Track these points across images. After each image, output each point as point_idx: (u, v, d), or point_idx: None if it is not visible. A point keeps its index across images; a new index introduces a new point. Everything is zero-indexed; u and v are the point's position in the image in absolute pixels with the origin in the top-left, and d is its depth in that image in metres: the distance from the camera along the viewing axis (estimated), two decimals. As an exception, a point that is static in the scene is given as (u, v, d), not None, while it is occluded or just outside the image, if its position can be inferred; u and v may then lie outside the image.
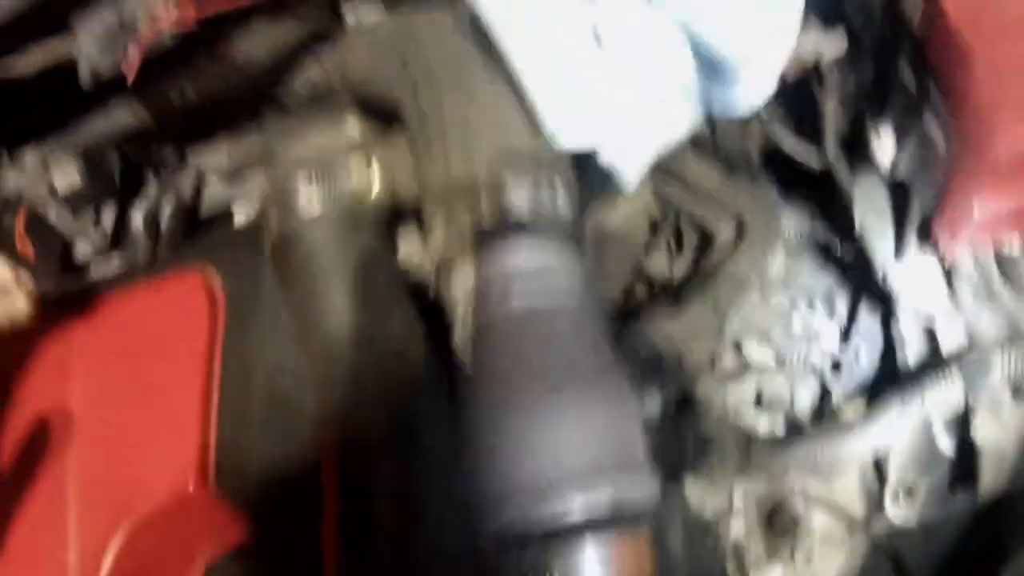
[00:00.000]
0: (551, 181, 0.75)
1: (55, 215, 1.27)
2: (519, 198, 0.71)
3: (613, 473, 0.62)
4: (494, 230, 0.71)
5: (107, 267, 1.31)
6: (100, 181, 1.24)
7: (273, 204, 0.80)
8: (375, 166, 0.82)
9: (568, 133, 0.75)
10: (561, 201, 0.74)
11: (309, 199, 0.78)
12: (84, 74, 1.00)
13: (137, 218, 1.31)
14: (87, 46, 1.00)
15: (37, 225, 1.27)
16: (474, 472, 0.64)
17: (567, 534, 0.60)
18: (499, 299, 0.69)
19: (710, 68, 0.77)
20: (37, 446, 0.84)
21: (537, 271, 0.70)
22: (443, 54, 0.82)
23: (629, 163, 0.81)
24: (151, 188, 1.32)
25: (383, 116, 0.97)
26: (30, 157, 1.25)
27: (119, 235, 1.30)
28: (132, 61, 0.96)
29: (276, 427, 0.79)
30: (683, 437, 0.98)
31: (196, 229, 1.34)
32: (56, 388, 0.87)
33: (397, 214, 0.82)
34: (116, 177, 1.27)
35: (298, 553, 0.76)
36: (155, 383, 0.85)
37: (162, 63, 0.99)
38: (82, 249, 1.30)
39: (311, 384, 0.76)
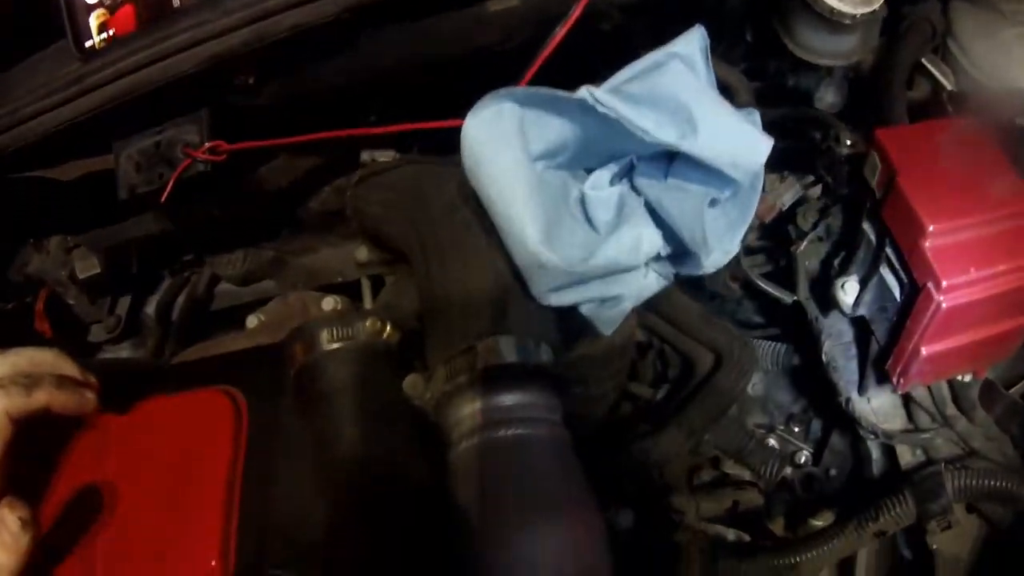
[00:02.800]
0: (535, 333, 0.93)
1: (74, 299, 1.48)
2: (507, 349, 0.89)
3: None
4: (485, 374, 0.88)
5: (118, 351, 1.53)
6: (119, 273, 1.43)
7: (298, 339, 0.99)
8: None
9: (552, 295, 0.93)
10: (543, 350, 0.92)
11: (331, 336, 0.96)
12: (122, 191, 1.18)
13: (150, 308, 1.52)
14: (126, 167, 1.19)
15: (56, 307, 1.48)
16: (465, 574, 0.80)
17: None
18: (486, 429, 0.86)
19: (676, 244, 0.95)
20: (69, 532, 0.93)
21: (518, 407, 0.88)
22: (446, 214, 1.00)
23: (605, 317, 1.00)
24: (166, 284, 1.53)
25: (389, 250, 1.17)
26: (55, 243, 1.45)
27: (132, 323, 1.52)
28: (167, 184, 1.14)
29: (292, 542, 0.92)
30: (654, 547, 1.14)
31: (205, 325, 1.55)
32: (84, 477, 0.96)
33: (403, 353, 0.99)
34: (134, 270, 1.48)
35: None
36: (182, 479, 0.95)
37: (192, 184, 1.16)
38: (96, 333, 1.51)
39: (323, 500, 0.91)
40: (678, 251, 0.98)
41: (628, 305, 1.01)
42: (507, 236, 0.93)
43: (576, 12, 0.99)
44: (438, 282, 0.96)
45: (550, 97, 0.92)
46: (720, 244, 0.94)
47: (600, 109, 0.88)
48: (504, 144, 0.92)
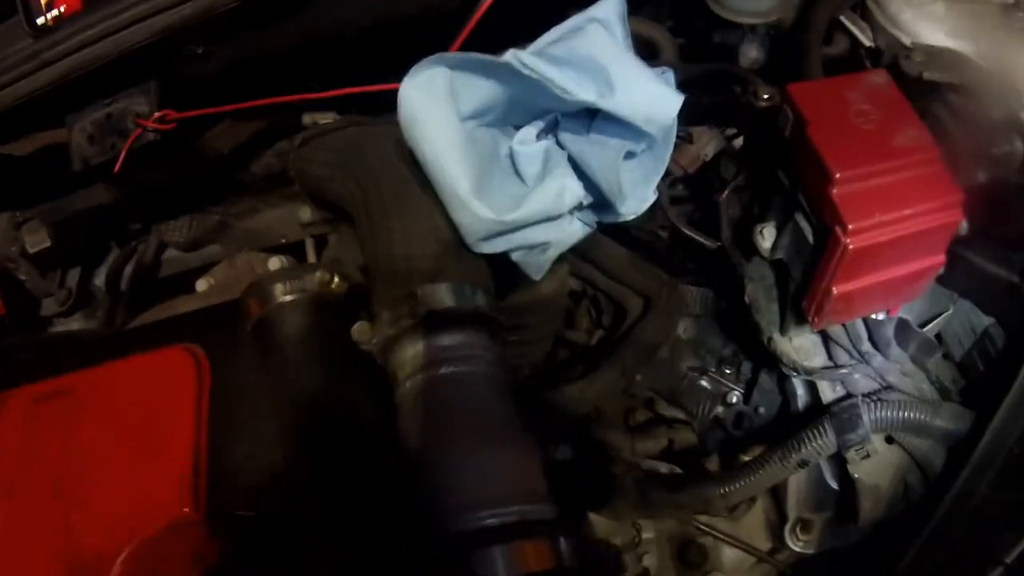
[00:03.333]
0: (470, 279, 1.07)
1: (25, 274, 1.59)
2: (445, 295, 1.03)
3: (518, 502, 0.92)
4: (426, 318, 1.02)
5: (69, 324, 1.64)
6: (68, 246, 1.53)
7: (254, 294, 1.11)
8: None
9: (484, 243, 1.07)
10: (479, 295, 1.06)
11: (284, 288, 1.09)
12: (76, 163, 1.28)
13: (99, 279, 1.64)
14: (79, 139, 1.29)
15: (8, 282, 1.58)
16: (416, 497, 0.92)
17: (484, 538, 0.88)
18: (429, 368, 1.00)
19: (597, 193, 1.08)
20: (41, 479, 1.06)
21: (457, 346, 1.02)
22: (386, 171, 1.12)
23: (535, 263, 1.13)
24: (114, 254, 1.64)
25: (332, 209, 1.29)
26: (4, 219, 1.53)
27: (82, 295, 1.63)
28: (119, 154, 1.25)
29: (257, 465, 1.06)
30: (591, 478, 1.29)
31: (154, 292, 1.66)
32: (59, 438, 1.09)
33: (350, 303, 1.13)
34: (83, 243, 1.59)
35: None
36: (152, 430, 1.08)
37: (143, 153, 1.27)
38: (48, 307, 1.62)
39: (284, 440, 1.05)
40: (599, 200, 1.11)
41: (555, 251, 1.14)
42: (441, 190, 1.06)
43: None
44: (381, 235, 1.09)
45: (479, 61, 1.04)
46: (636, 192, 1.07)
47: (525, 72, 1.00)
48: (436, 106, 1.05)
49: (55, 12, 1.25)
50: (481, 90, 1.07)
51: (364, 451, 1.03)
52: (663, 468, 1.36)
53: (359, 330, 1.08)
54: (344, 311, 1.13)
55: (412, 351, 1.02)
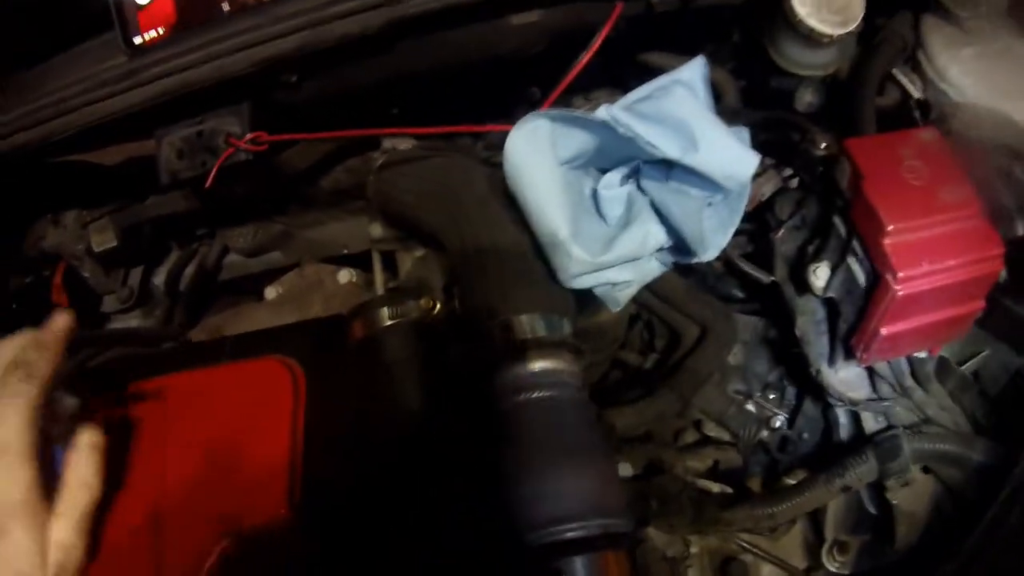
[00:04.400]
0: (559, 310, 1.28)
1: (89, 271, 1.76)
2: (539, 325, 1.23)
3: (602, 515, 1.06)
4: (520, 346, 1.21)
5: (128, 320, 1.80)
6: (133, 246, 1.72)
7: (359, 316, 1.30)
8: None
9: (575, 280, 1.27)
10: (565, 324, 1.26)
11: (390, 313, 1.29)
12: (164, 176, 1.44)
13: (159, 279, 1.82)
14: (168, 153, 1.45)
15: (73, 279, 1.76)
16: (508, 512, 1.06)
17: (570, 548, 1.02)
18: (522, 392, 1.18)
19: (677, 239, 1.28)
20: (133, 481, 1.17)
21: (548, 373, 1.21)
22: (479, 207, 1.33)
23: (616, 297, 1.34)
24: (175, 255, 1.80)
25: (409, 231, 1.48)
26: (71, 218, 1.72)
27: (143, 294, 1.81)
28: (210, 171, 1.40)
29: (350, 479, 1.18)
30: (649, 494, 1.47)
31: (212, 295, 1.83)
32: (151, 442, 1.23)
33: (448, 326, 1.32)
34: (147, 244, 1.76)
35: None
36: (248, 440, 1.21)
37: (233, 171, 1.43)
38: (109, 303, 1.79)
39: (379, 452, 1.21)
40: (678, 244, 1.31)
41: (635, 288, 1.37)
42: (540, 231, 1.27)
43: (598, 41, 1.34)
44: (477, 269, 1.29)
45: (576, 117, 1.25)
46: (713, 240, 1.28)
47: (620, 129, 1.21)
48: (540, 156, 1.26)
49: (153, 33, 1.40)
50: (576, 140, 1.28)
51: (456, 468, 1.20)
52: (715, 488, 1.53)
53: (456, 355, 1.28)
54: (441, 335, 1.31)
55: (507, 377, 1.19)
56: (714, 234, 1.28)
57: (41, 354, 1.02)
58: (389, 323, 1.30)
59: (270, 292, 1.64)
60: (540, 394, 1.19)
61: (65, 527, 0.98)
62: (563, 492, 1.11)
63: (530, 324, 1.24)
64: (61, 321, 1.08)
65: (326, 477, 1.20)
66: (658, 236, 1.29)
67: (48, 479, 0.99)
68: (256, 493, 1.17)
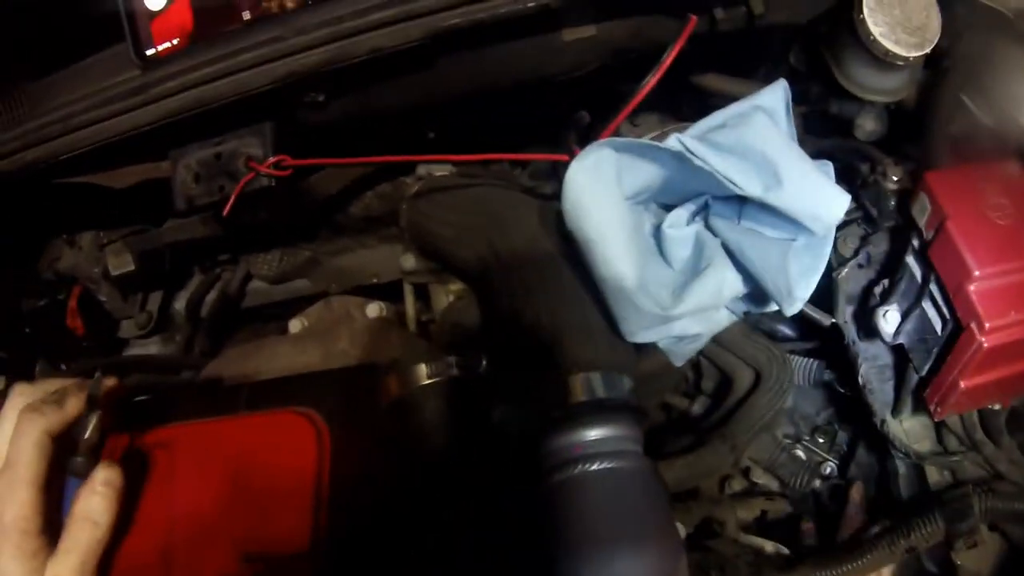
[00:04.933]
0: (620, 366, 1.03)
1: (105, 295, 1.52)
2: (597, 385, 0.98)
3: None
4: (577, 409, 0.97)
5: (147, 347, 1.57)
6: (152, 270, 1.49)
7: (392, 373, 1.06)
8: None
9: (640, 333, 1.02)
10: (626, 382, 1.02)
11: (428, 371, 1.04)
12: (179, 201, 1.21)
13: (180, 304, 1.57)
14: (184, 176, 1.21)
15: (87, 302, 1.52)
16: None
17: None
18: (579, 463, 0.94)
19: (754, 287, 1.04)
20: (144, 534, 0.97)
21: (609, 440, 0.97)
22: (529, 245, 1.08)
23: (682, 351, 1.10)
24: (196, 280, 1.57)
25: (445, 264, 1.24)
26: (87, 240, 1.49)
27: (162, 319, 1.56)
28: (228, 197, 1.17)
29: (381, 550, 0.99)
30: (706, 560, 1.23)
31: (235, 321, 1.59)
32: (161, 493, 1.01)
33: (494, 383, 1.08)
34: (167, 267, 1.52)
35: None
36: (268, 495, 1.00)
37: (254, 197, 1.19)
38: (127, 328, 1.56)
39: (415, 523, 1.00)
40: (755, 293, 1.07)
41: (704, 341, 1.12)
42: (603, 277, 1.01)
43: (669, 58, 1.06)
44: (527, 316, 1.05)
45: (645, 146, 1.00)
46: (796, 290, 1.03)
47: (696, 162, 0.95)
48: (604, 191, 1.01)
49: (167, 44, 1.17)
50: (643, 173, 1.04)
51: (499, 544, 0.99)
52: (768, 546, 1.29)
53: (501, 414, 1.04)
54: (485, 393, 1.07)
55: (562, 442, 0.97)
56: (798, 284, 1.04)
57: (76, 393, 0.92)
58: (427, 382, 1.05)
59: (294, 325, 1.40)
60: (600, 465, 0.95)
61: (65, 563, 0.86)
62: None
63: (588, 384, 0.99)
64: (110, 380, 0.97)
65: (351, 542, 0.99)
66: (734, 285, 1.05)
67: (55, 511, 0.89)
68: (275, 557, 0.96)
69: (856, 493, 1.31)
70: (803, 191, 0.97)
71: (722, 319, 1.11)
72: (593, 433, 0.97)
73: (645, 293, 0.98)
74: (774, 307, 1.05)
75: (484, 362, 1.06)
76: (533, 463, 0.99)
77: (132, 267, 1.46)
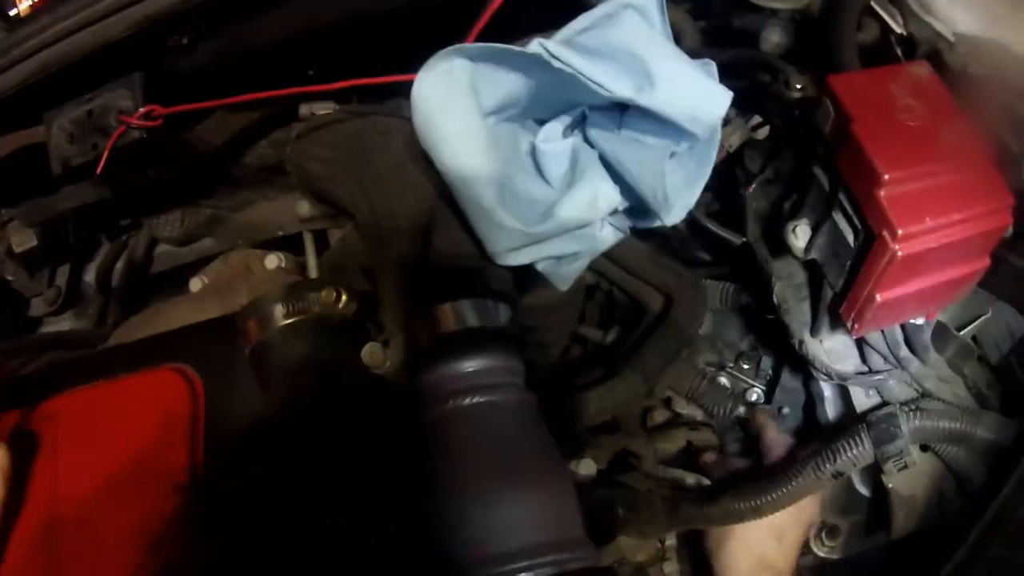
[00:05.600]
0: (493, 293, 0.90)
1: (12, 274, 1.40)
2: (468, 313, 0.86)
3: (554, 551, 0.75)
4: (448, 340, 0.85)
5: (59, 323, 1.45)
6: (56, 244, 1.36)
7: (252, 315, 0.94)
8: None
9: (510, 255, 0.90)
10: (502, 310, 0.89)
11: (286, 310, 0.92)
12: (55, 165, 1.11)
13: (89, 276, 1.45)
14: (59, 139, 1.11)
15: None
16: (438, 547, 0.77)
17: None
18: (452, 398, 0.82)
19: (634, 199, 0.92)
20: (29, 509, 0.94)
21: (483, 372, 0.84)
22: (394, 172, 0.96)
23: (563, 273, 0.97)
24: (104, 250, 1.45)
25: (333, 206, 1.11)
26: None
27: (72, 293, 1.44)
28: (102, 155, 1.07)
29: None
30: (615, 496, 1.12)
31: (147, 288, 1.48)
32: (46, 466, 0.97)
33: (359, 318, 0.96)
34: (71, 240, 1.40)
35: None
36: (145, 457, 0.95)
37: (128, 151, 1.09)
38: (37, 306, 1.43)
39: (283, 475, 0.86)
40: (635, 206, 0.95)
41: (584, 262, 0.99)
42: (462, 198, 0.89)
43: None
44: (391, 245, 0.93)
45: (502, 52, 0.87)
46: (679, 199, 0.91)
47: (555, 64, 0.84)
48: (457, 104, 0.88)
49: (29, 2, 1.10)
50: (504, 84, 0.91)
51: (374, 493, 0.85)
52: (690, 479, 1.18)
53: (370, 353, 0.92)
54: (352, 331, 0.96)
55: (433, 378, 0.86)
56: (679, 192, 0.92)
57: None
58: (285, 323, 0.93)
59: (195, 283, 1.33)
60: (475, 399, 0.83)
61: None
62: (507, 524, 0.77)
63: (457, 313, 0.87)
64: None
65: (228, 489, 0.89)
66: (610, 197, 0.93)
67: None
68: (157, 509, 0.86)
69: (761, 418, 1.20)
70: (678, 90, 0.85)
71: (606, 237, 0.98)
72: (466, 365, 0.84)
73: (508, 211, 0.86)
74: (659, 221, 0.92)
75: (343, 296, 0.93)
76: (410, 402, 0.87)
77: (35, 242, 1.34)
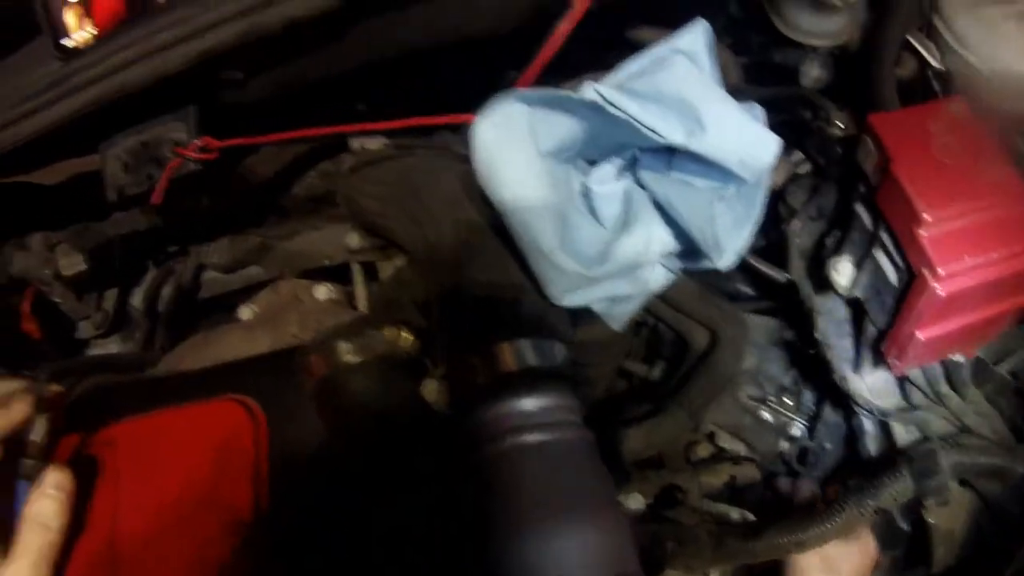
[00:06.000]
0: (551, 333, 0.93)
1: (59, 297, 1.44)
2: (527, 353, 0.88)
3: None
4: (507, 379, 0.87)
5: (106, 347, 1.49)
6: (104, 267, 1.39)
7: (316, 352, 0.98)
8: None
9: (566, 296, 0.93)
10: (559, 349, 0.91)
11: (350, 348, 0.95)
12: (111, 193, 1.14)
13: (136, 300, 1.48)
14: (113, 168, 1.15)
15: (42, 305, 1.44)
16: None
17: None
18: (511, 435, 0.84)
19: (686, 241, 0.95)
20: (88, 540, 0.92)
21: (543, 411, 0.86)
22: (449, 211, 0.99)
23: (616, 314, 1.00)
24: (151, 275, 1.49)
25: (383, 239, 1.15)
26: (36, 241, 1.40)
27: (119, 317, 1.48)
28: (156, 185, 1.11)
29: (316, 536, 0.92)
30: (663, 531, 1.14)
31: (194, 314, 1.51)
32: (105, 495, 0.95)
33: (421, 358, 0.99)
34: (119, 264, 1.44)
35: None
36: (205, 489, 0.95)
37: (183, 182, 1.13)
38: (84, 329, 1.47)
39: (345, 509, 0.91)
40: (687, 248, 0.98)
41: (638, 302, 1.02)
42: (521, 239, 0.93)
43: (581, 6, 0.97)
44: (448, 283, 0.96)
45: (558, 97, 0.91)
46: (729, 242, 0.94)
47: (610, 110, 0.87)
48: (517, 147, 0.92)
49: (83, 34, 1.11)
50: (559, 127, 0.94)
51: (429, 521, 0.89)
52: (734, 514, 1.21)
53: (430, 389, 0.96)
54: (413, 367, 0.99)
55: (491, 415, 0.87)
56: (729, 235, 0.95)
57: (23, 397, 0.88)
58: (350, 359, 0.95)
59: (244, 312, 1.33)
60: (534, 436, 0.85)
61: (17, 567, 0.82)
62: (569, 559, 0.78)
63: (516, 352, 0.89)
64: (55, 387, 0.96)
65: (291, 525, 0.93)
66: (663, 240, 0.97)
67: (5, 514, 0.85)
68: (218, 540, 0.91)
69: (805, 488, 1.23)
70: (728, 135, 0.88)
71: (657, 278, 1.02)
72: (524, 403, 0.87)
73: (571, 254, 0.89)
74: (710, 263, 0.96)
75: (412, 337, 0.97)
76: (463, 438, 0.89)
77: (84, 266, 1.35)
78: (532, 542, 0.80)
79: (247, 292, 1.44)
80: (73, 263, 1.36)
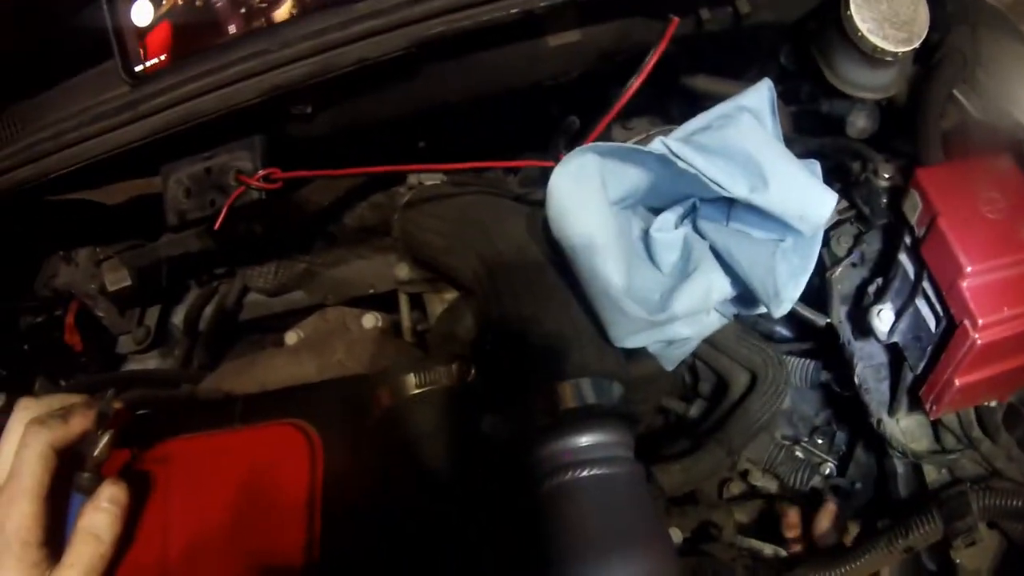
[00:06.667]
0: (608, 372, 1.00)
1: (103, 311, 1.50)
2: (587, 391, 0.96)
3: None
4: (563, 416, 0.95)
5: (145, 362, 1.55)
6: (149, 285, 1.46)
7: (383, 383, 1.04)
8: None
9: (628, 339, 1.00)
10: (616, 388, 0.99)
11: (417, 380, 1.02)
12: (171, 216, 1.18)
13: (177, 319, 1.55)
14: (175, 191, 1.19)
15: (85, 318, 1.50)
16: None
17: None
18: (569, 470, 0.92)
19: (743, 289, 1.01)
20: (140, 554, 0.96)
21: (599, 446, 0.94)
22: (516, 252, 1.05)
23: (672, 355, 1.07)
24: (194, 294, 1.55)
25: (437, 273, 1.22)
26: (84, 255, 1.47)
27: (160, 333, 1.54)
28: (219, 211, 1.14)
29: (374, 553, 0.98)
30: (702, 564, 1.20)
31: (232, 335, 1.57)
32: (157, 511, 0.99)
33: (481, 392, 1.06)
34: (164, 282, 1.50)
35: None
36: (261, 512, 0.99)
37: (245, 210, 1.16)
38: (125, 344, 1.53)
39: (402, 535, 0.97)
40: (742, 295, 1.04)
41: (693, 344, 1.09)
42: (589, 284, 0.99)
43: (652, 59, 1.03)
44: (514, 324, 1.02)
45: (628, 150, 0.97)
46: (786, 292, 1.00)
47: (678, 163, 0.93)
48: (589, 196, 0.98)
49: (154, 60, 1.15)
50: (628, 178, 1.01)
51: (489, 555, 0.96)
52: (767, 550, 1.27)
53: (491, 424, 1.01)
54: (475, 402, 1.05)
55: (551, 450, 0.95)
56: (785, 286, 1.01)
57: (83, 411, 0.92)
58: (417, 391, 1.03)
59: (291, 337, 1.39)
60: (591, 472, 0.92)
61: None
62: None
63: (577, 390, 0.96)
64: (118, 402, 0.96)
65: (345, 552, 0.97)
66: (722, 288, 1.03)
67: (58, 525, 0.88)
68: (267, 569, 0.95)
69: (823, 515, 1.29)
70: (789, 191, 0.95)
71: (712, 322, 1.09)
72: (583, 439, 0.94)
73: (632, 298, 0.95)
74: (763, 309, 1.03)
75: (473, 371, 1.04)
76: (523, 472, 0.96)
77: (129, 282, 1.42)
78: (588, 572, 0.87)
79: (287, 316, 1.51)
80: (119, 279, 1.43)
